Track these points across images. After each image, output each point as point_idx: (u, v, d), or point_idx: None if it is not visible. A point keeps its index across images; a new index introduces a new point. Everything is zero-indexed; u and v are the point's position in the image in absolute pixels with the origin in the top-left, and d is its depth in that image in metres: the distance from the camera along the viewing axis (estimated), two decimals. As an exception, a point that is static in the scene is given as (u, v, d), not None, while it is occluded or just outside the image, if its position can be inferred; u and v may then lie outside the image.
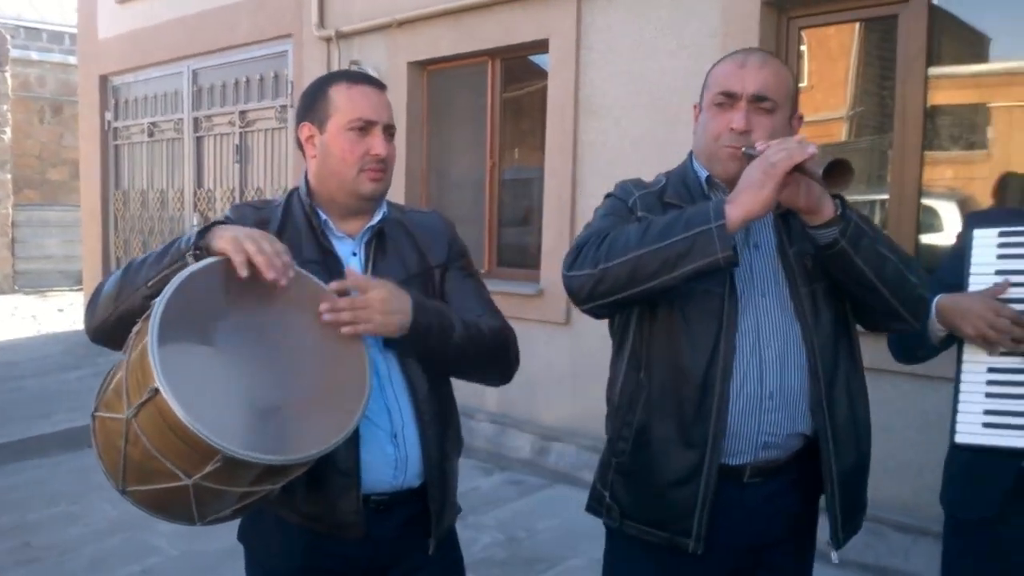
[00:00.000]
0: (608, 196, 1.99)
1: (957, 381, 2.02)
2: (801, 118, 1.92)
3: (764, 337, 1.79)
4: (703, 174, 1.91)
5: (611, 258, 1.71)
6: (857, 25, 4.48)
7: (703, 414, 1.77)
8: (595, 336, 5.05)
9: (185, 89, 8.63)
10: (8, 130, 14.77)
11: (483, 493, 5.09)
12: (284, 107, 7.50)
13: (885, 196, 4.28)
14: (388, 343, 1.82)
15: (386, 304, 1.70)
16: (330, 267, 1.83)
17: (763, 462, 1.82)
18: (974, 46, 4.32)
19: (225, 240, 1.61)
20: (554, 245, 5.44)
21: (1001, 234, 2.03)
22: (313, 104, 1.88)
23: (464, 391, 2.00)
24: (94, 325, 1.75)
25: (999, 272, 2.01)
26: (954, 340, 2.04)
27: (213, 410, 1.43)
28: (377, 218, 1.92)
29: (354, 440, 1.73)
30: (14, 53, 15.12)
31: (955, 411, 1.99)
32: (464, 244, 2.07)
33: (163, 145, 9.09)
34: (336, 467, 1.75)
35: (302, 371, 1.62)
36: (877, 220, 4.24)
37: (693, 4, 4.72)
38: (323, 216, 1.89)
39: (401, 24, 6.24)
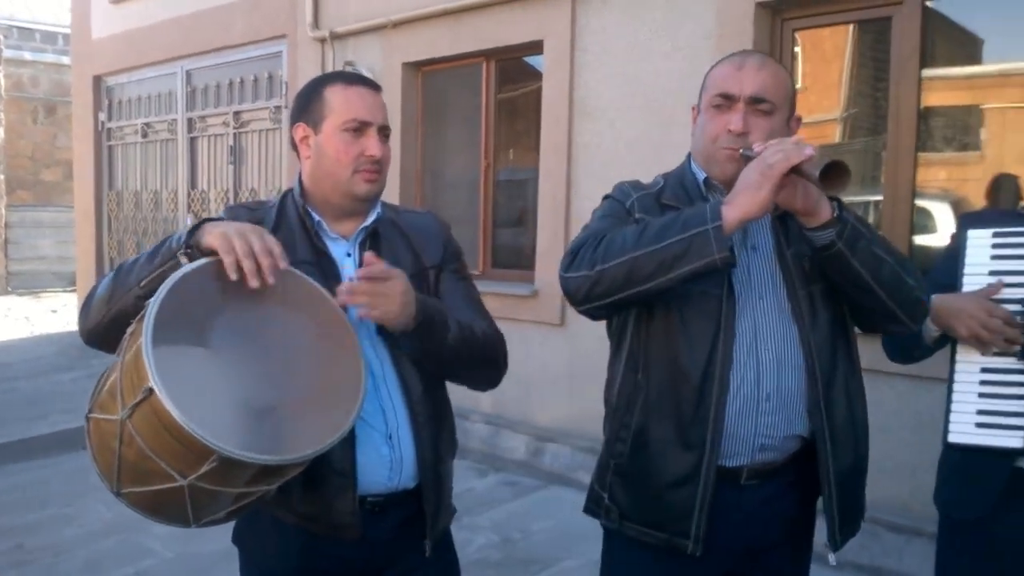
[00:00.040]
0: (606, 198, 1.99)
1: (950, 381, 2.03)
2: (799, 120, 1.92)
3: (762, 339, 1.79)
4: (701, 176, 1.91)
5: (608, 259, 1.71)
6: (851, 27, 4.49)
7: (701, 415, 1.77)
8: (590, 337, 5.06)
9: (179, 90, 8.62)
10: (1, 130, 14.74)
11: (478, 494, 5.08)
12: (278, 108, 7.49)
13: (879, 197, 4.29)
14: (384, 336, 1.82)
15: (405, 295, 1.70)
16: (324, 268, 1.83)
17: (760, 464, 1.82)
18: (967, 48, 4.33)
19: (214, 236, 1.60)
20: (549, 246, 5.45)
21: (995, 235, 2.03)
22: (308, 105, 1.88)
23: (458, 392, 2.00)
24: (88, 328, 1.74)
25: (992, 273, 2.01)
26: (948, 340, 2.05)
27: (208, 410, 1.43)
28: (371, 219, 1.91)
29: (350, 441, 1.73)
30: (7, 53, 15.10)
31: (948, 411, 2.00)
32: (459, 246, 2.07)
33: (157, 146, 9.07)
34: (332, 468, 1.75)
35: (297, 371, 1.62)
36: (871, 221, 4.24)
37: (687, 6, 4.72)
38: (316, 217, 1.88)
39: (396, 25, 6.24)
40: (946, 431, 1.99)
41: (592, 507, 2.00)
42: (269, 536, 1.88)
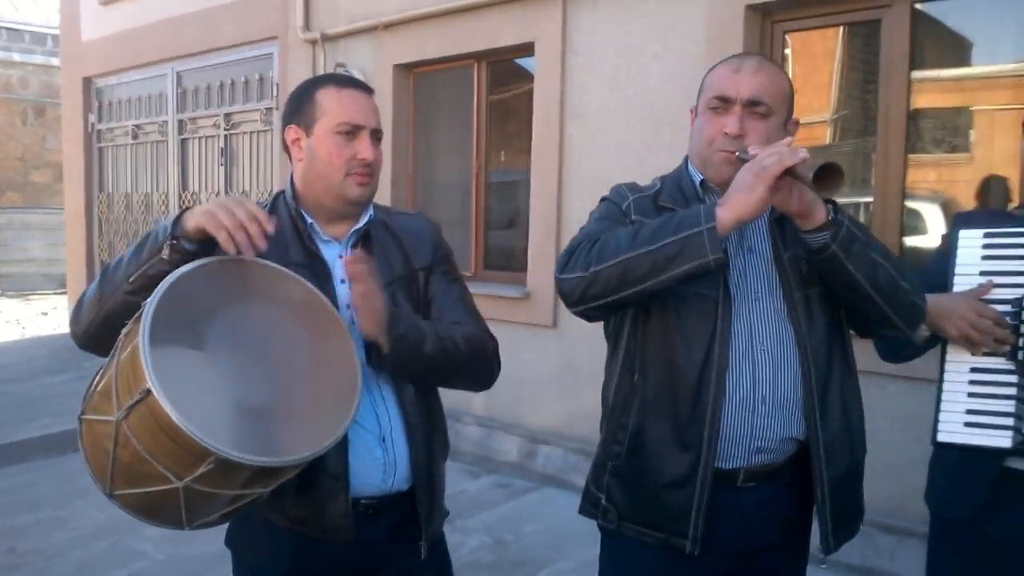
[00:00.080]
0: (603, 200, 2.00)
1: (940, 380, 2.03)
2: (797, 122, 1.93)
3: (758, 341, 1.80)
4: (697, 178, 1.92)
5: (602, 261, 1.72)
6: (841, 29, 4.51)
7: (698, 416, 1.78)
8: (582, 339, 5.08)
9: (169, 91, 8.60)
10: (-10, 132, 14.67)
11: (470, 496, 5.08)
12: (269, 109, 7.47)
13: (869, 199, 4.31)
14: (369, 360, 1.82)
15: (382, 301, 1.72)
16: (316, 270, 1.83)
17: (757, 467, 1.82)
18: (956, 50, 4.36)
19: (199, 216, 1.60)
20: (540, 248, 5.45)
21: (986, 235, 2.04)
22: (300, 107, 1.87)
23: (450, 394, 2.00)
24: (80, 330, 1.74)
25: (983, 273, 2.02)
26: (938, 340, 2.05)
27: (205, 411, 1.43)
28: (363, 221, 1.92)
29: (343, 444, 1.73)
30: (-4, 55, 15.04)
31: (937, 410, 2.01)
32: (449, 247, 2.07)
33: (147, 147, 9.04)
34: (325, 470, 1.75)
35: (293, 373, 1.62)
36: (861, 222, 4.26)
37: (678, 9, 4.74)
38: (309, 219, 1.88)
39: (387, 26, 6.24)
40: (935, 430, 2.00)
41: (588, 508, 2.00)
42: (262, 539, 1.88)
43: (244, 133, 7.84)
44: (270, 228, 1.61)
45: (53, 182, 15.52)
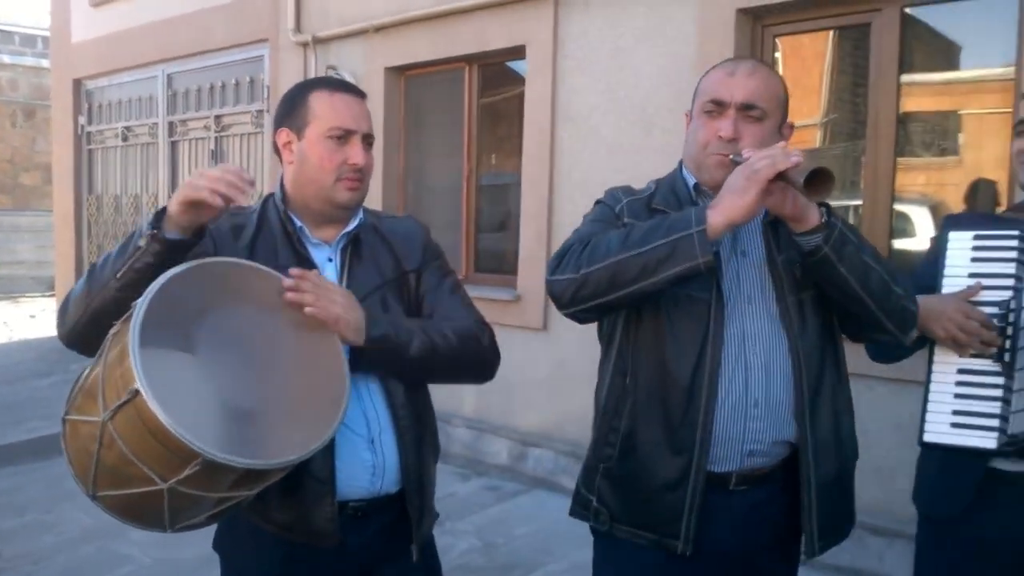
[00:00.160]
0: (597, 202, 2.00)
1: (927, 381, 2.04)
2: (792, 126, 1.93)
3: (750, 344, 1.80)
4: (692, 181, 1.92)
5: (593, 262, 1.72)
6: (831, 33, 4.53)
7: (690, 419, 1.78)
8: (573, 342, 5.08)
9: (160, 93, 8.57)
10: (-21, 134, 14.61)
11: (460, 499, 5.07)
12: (260, 112, 7.46)
13: (858, 202, 4.33)
14: (352, 365, 1.82)
15: (347, 299, 1.72)
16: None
17: (749, 470, 1.82)
18: (946, 54, 4.38)
19: (178, 197, 1.60)
20: (531, 251, 5.45)
21: (976, 237, 2.05)
22: (292, 110, 1.87)
23: (441, 396, 2.00)
24: (67, 329, 1.73)
25: (972, 275, 2.03)
26: (927, 341, 2.06)
27: (192, 413, 1.42)
28: (353, 224, 1.91)
29: (329, 447, 1.72)
30: (-14, 56, 14.97)
31: (924, 410, 2.02)
32: (438, 246, 2.07)
33: (137, 150, 9.01)
34: (311, 474, 1.74)
35: (281, 376, 1.62)
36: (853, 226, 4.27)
37: (669, 12, 4.75)
38: (298, 223, 1.88)
39: (378, 29, 6.23)
40: (921, 430, 2.01)
41: (579, 510, 1.99)
42: (250, 543, 1.87)
43: (235, 135, 7.82)
44: (248, 176, 1.61)
45: (42, 184, 15.45)
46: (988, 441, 1.92)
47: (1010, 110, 3.88)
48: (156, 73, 8.55)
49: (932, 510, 2.14)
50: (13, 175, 16.01)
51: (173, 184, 8.54)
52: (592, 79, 5.13)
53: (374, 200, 5.99)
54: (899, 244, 4.24)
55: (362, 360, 1.77)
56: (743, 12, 4.44)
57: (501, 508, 4.97)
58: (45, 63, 14.09)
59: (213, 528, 1.86)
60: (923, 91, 4.28)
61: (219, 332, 1.57)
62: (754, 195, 1.60)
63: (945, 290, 2.05)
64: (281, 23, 6.95)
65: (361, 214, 1.94)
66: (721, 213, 1.63)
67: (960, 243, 2.07)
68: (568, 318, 1.84)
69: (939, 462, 2.09)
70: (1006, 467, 1.98)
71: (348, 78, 6.14)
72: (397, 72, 6.36)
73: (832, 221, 1.69)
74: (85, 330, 1.67)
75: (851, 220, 4.35)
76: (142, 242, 1.61)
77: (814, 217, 1.68)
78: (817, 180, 1.56)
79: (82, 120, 9.63)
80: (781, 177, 1.59)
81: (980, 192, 4.06)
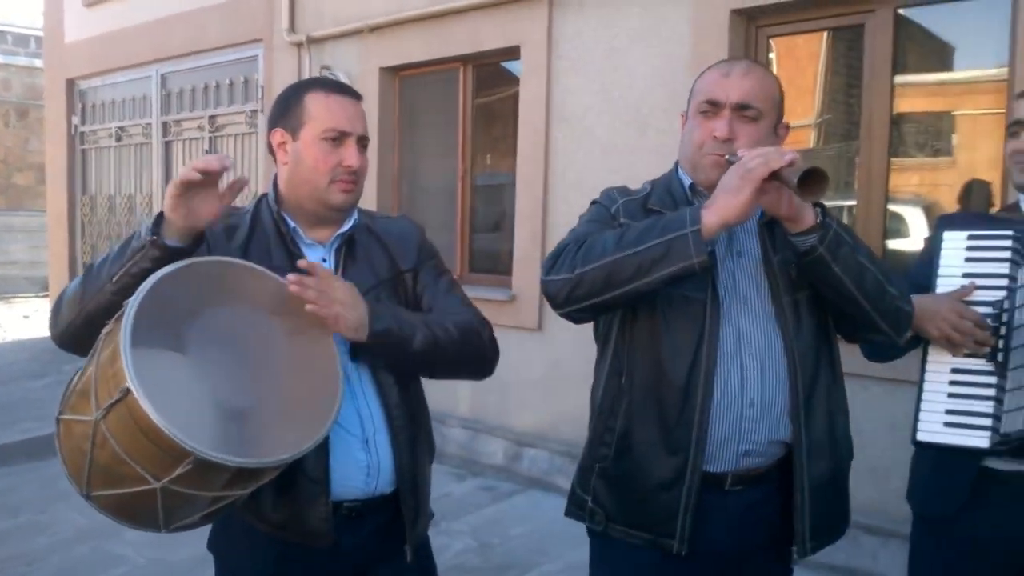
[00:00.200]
0: (593, 203, 2.00)
1: (921, 381, 2.05)
2: (787, 126, 1.93)
3: (745, 344, 1.80)
4: (687, 182, 1.92)
5: (588, 262, 1.72)
6: (825, 34, 4.54)
7: (685, 419, 1.78)
8: (567, 342, 5.08)
9: (154, 93, 8.56)
10: (-28, 134, 14.55)
11: (455, 499, 5.07)
12: (255, 112, 7.45)
13: (852, 202, 4.34)
14: (353, 355, 1.82)
15: (349, 295, 1.71)
16: (300, 274, 1.82)
17: (744, 470, 1.82)
18: (939, 55, 4.39)
19: (169, 193, 1.60)
20: (526, 251, 5.45)
21: (970, 237, 2.06)
22: (287, 110, 1.86)
23: (436, 396, 2.00)
24: (60, 330, 1.73)
25: (966, 275, 2.03)
26: (921, 340, 2.07)
27: (184, 412, 1.42)
28: (348, 225, 1.91)
29: (323, 447, 1.72)
30: (-21, 56, 14.92)
31: (918, 409, 2.02)
32: (433, 245, 2.07)
33: (131, 150, 8.99)
34: (305, 474, 1.74)
35: (274, 375, 1.61)
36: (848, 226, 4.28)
37: (663, 13, 4.75)
38: (291, 223, 1.88)
39: (373, 30, 6.23)
40: (915, 429, 2.01)
41: (575, 511, 1.99)
42: (244, 543, 1.86)
43: (229, 135, 7.81)
44: (226, 159, 1.62)
45: (36, 184, 15.39)
46: (981, 440, 1.92)
47: (1003, 111, 3.89)
48: (150, 73, 8.54)
49: (926, 509, 2.14)
50: (6, 175, 15.96)
51: (167, 184, 8.50)
52: (586, 79, 5.14)
53: (369, 200, 5.99)
54: (893, 244, 4.26)
55: (365, 353, 1.77)
56: (737, 13, 4.45)
57: (496, 508, 4.97)
58: (38, 63, 14.05)
59: (207, 528, 1.86)
60: (917, 92, 4.30)
61: (212, 331, 1.57)
62: (748, 194, 1.60)
63: (939, 290, 2.05)
64: (275, 23, 6.94)
65: (355, 215, 1.93)
66: (715, 213, 1.63)
67: (954, 243, 2.07)
68: (563, 318, 1.84)
69: (933, 461, 2.10)
70: (999, 466, 1.99)
71: (342, 78, 6.14)
72: (391, 72, 6.36)
73: (827, 222, 1.69)
74: (79, 332, 1.67)
75: (845, 220, 4.35)
76: (140, 246, 1.61)
77: (809, 217, 1.68)
78: (811, 180, 1.56)
79: (76, 120, 9.61)
80: (775, 177, 1.59)
81: (974, 193, 4.07)
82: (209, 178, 1.60)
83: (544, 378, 5.41)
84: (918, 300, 1.96)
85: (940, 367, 2.02)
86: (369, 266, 1.91)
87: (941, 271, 2.06)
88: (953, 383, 2.00)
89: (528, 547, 4.35)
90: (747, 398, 1.78)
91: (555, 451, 5.28)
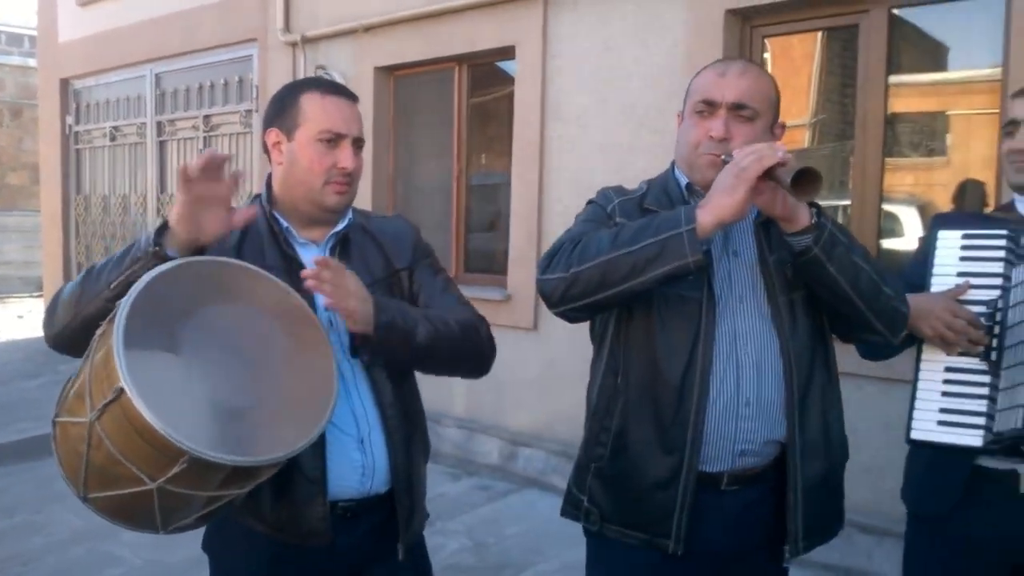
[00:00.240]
0: (589, 202, 2.00)
1: (915, 379, 2.05)
2: (783, 126, 1.94)
3: (741, 343, 1.80)
4: (684, 181, 1.93)
5: (583, 262, 1.72)
6: (819, 34, 4.55)
7: (681, 418, 1.78)
8: (563, 341, 5.08)
9: (148, 93, 8.53)
10: (-34, 134, 14.51)
11: (451, 499, 5.07)
12: (249, 112, 7.43)
13: (847, 202, 4.34)
14: (353, 351, 1.82)
15: (361, 290, 1.71)
16: (293, 274, 1.81)
17: (740, 470, 1.82)
18: (933, 55, 4.40)
19: (179, 202, 1.60)
20: (521, 251, 5.45)
21: (964, 236, 2.06)
22: (283, 110, 1.86)
23: (431, 396, 2.00)
24: (54, 332, 1.72)
25: (961, 274, 2.04)
26: (915, 339, 2.07)
27: (179, 412, 1.42)
28: (342, 225, 1.91)
29: (320, 447, 1.72)
30: (-28, 56, 14.87)
31: (912, 408, 2.03)
32: (428, 244, 2.08)
33: (125, 149, 8.97)
34: (303, 474, 1.74)
35: (269, 374, 1.61)
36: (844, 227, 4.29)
37: (658, 12, 4.76)
38: (284, 223, 1.87)
39: (368, 29, 6.22)
40: (909, 428, 2.02)
41: (570, 510, 1.99)
42: (239, 544, 1.86)
43: (224, 135, 7.79)
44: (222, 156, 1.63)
45: (30, 184, 15.35)
46: (974, 439, 1.93)
47: (998, 111, 3.90)
48: (144, 72, 8.51)
49: (920, 508, 2.15)
50: (0, 175, 15.92)
51: (161, 184, 8.51)
52: (581, 79, 5.14)
53: (364, 200, 5.99)
54: (887, 244, 4.26)
55: (368, 347, 1.77)
56: (732, 13, 4.45)
57: (492, 508, 4.97)
58: (32, 62, 14.00)
59: (203, 530, 1.86)
60: (911, 92, 4.31)
61: (207, 331, 1.57)
62: (743, 193, 1.60)
63: (933, 289, 2.06)
64: (270, 23, 6.93)
65: (350, 214, 1.94)
66: (710, 212, 1.63)
67: (949, 242, 2.08)
68: (558, 317, 1.84)
69: (927, 460, 2.10)
70: (992, 465, 2.00)
71: (337, 78, 6.13)
72: (386, 72, 6.36)
73: (822, 222, 1.69)
74: (74, 334, 1.67)
75: (839, 220, 4.37)
76: (141, 256, 1.61)
77: (804, 217, 1.68)
78: (804, 180, 1.56)
79: (70, 120, 9.58)
80: (769, 176, 1.59)
81: (968, 192, 4.09)
82: (219, 188, 1.61)
83: (540, 377, 5.41)
84: (912, 299, 1.97)
85: (934, 366, 2.03)
86: (364, 265, 1.90)
87: (936, 270, 2.07)
88: (947, 382, 2.00)
89: (524, 547, 4.35)
90: (743, 398, 1.79)
91: (551, 451, 5.28)
